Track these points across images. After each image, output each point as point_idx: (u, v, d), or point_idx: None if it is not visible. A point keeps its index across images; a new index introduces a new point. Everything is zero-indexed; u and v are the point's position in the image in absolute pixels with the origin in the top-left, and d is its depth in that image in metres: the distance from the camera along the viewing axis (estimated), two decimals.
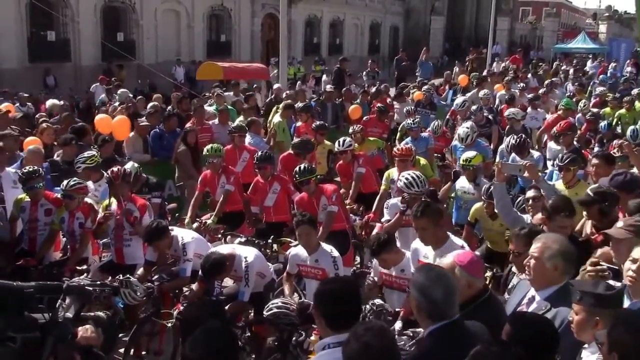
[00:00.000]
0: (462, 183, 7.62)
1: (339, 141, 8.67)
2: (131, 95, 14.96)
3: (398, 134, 12.04)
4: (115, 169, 6.73)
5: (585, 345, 3.12)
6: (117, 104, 13.21)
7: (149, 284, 5.80)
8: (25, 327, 2.50)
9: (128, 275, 5.70)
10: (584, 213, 5.43)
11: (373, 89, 16.37)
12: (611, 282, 3.50)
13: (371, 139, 10.61)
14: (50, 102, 13.61)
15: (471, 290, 3.70)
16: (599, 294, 3.05)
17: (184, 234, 6.21)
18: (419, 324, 3.44)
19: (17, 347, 2.45)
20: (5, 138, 8.73)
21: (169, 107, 13.08)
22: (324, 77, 23.86)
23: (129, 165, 7.53)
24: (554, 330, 3.10)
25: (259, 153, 8.03)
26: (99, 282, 2.99)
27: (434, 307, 3.16)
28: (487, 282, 5.42)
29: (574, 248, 3.78)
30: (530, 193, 6.22)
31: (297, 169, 7.27)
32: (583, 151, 8.87)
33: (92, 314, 2.79)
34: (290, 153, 9.09)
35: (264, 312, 5.20)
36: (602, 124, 11.31)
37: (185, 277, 5.99)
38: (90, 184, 7.51)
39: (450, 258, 3.83)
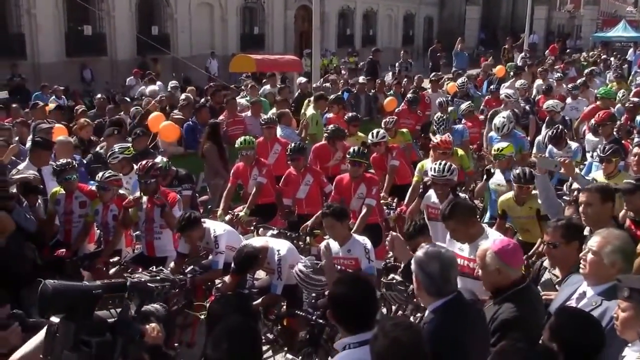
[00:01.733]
0: (497, 177, 7.48)
1: (372, 133, 8.57)
2: (168, 89, 14.99)
3: (431, 126, 11.86)
4: (143, 162, 6.72)
5: (629, 344, 3.00)
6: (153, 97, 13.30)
7: (181, 276, 5.81)
8: (97, 329, 2.46)
9: (161, 267, 5.72)
10: (624, 204, 5.21)
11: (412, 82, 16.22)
12: None
13: (404, 130, 10.49)
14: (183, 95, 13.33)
15: (502, 278, 3.62)
16: None
17: (216, 227, 6.20)
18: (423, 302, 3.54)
19: (93, 351, 2.41)
20: (38, 131, 8.91)
21: (202, 100, 13.12)
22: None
23: (158, 159, 7.58)
24: (601, 331, 3.00)
25: (292, 145, 7.99)
26: (158, 278, 2.94)
27: (431, 282, 3.30)
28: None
29: (634, 246, 3.65)
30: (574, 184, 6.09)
31: (352, 149, 7.28)
32: (623, 142, 8.61)
33: (151, 308, 2.76)
34: (323, 144, 9.12)
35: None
36: (638, 118, 10.96)
37: (217, 269, 5.98)
38: (121, 176, 7.59)
39: (487, 243, 3.77)
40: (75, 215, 6.92)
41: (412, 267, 3.44)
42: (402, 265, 4.20)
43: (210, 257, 6.14)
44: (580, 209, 4.90)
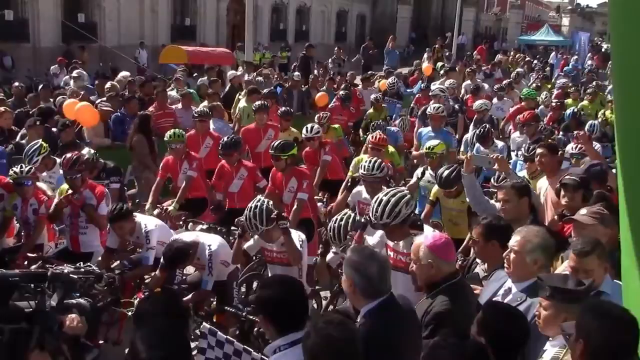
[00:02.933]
0: (427, 173, 7.59)
1: (306, 127, 8.55)
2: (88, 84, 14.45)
3: (363, 122, 11.96)
4: (68, 155, 6.42)
5: (550, 339, 3.11)
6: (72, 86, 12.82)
7: (109, 272, 5.63)
8: (12, 317, 2.41)
9: (89, 264, 5.52)
10: (563, 200, 5.35)
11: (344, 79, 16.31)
12: None
13: (336, 126, 10.54)
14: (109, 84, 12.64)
15: (436, 272, 3.70)
16: (570, 290, 3.03)
17: (147, 221, 6.05)
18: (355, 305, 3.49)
19: (5, 338, 2.37)
20: None
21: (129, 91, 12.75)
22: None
23: (85, 151, 7.31)
24: (526, 324, 3.11)
25: (224, 139, 7.85)
26: (82, 270, 2.87)
27: (369, 283, 3.27)
28: None
29: (553, 241, 3.78)
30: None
31: (274, 143, 7.25)
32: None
33: (74, 301, 2.72)
34: (251, 126, 9.45)
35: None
36: (567, 112, 11.44)
37: (147, 265, 5.85)
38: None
39: (421, 238, 3.86)
40: None
41: (345, 270, 3.39)
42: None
43: (139, 252, 5.98)
44: (499, 205, 5.10)
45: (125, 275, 5.75)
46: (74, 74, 14.16)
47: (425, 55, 23.78)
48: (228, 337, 4.42)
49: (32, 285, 2.53)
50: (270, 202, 5.36)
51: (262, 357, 3.99)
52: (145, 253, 5.86)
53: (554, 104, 12.43)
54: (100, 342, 5.78)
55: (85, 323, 2.62)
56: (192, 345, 3.93)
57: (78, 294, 2.81)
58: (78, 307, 2.68)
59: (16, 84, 13.37)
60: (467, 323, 3.23)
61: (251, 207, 5.21)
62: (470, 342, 2.89)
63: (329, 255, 5.29)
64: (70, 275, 2.75)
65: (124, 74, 14.83)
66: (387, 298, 3.30)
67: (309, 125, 8.62)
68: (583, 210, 4.28)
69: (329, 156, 8.49)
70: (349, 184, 7.13)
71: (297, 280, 3.78)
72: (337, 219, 5.27)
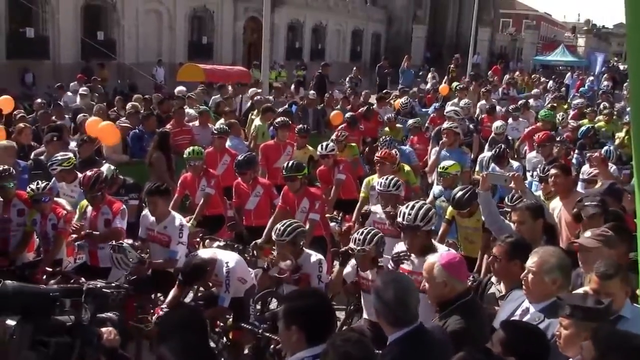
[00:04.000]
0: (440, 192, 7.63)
1: (321, 145, 8.62)
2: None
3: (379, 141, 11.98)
4: (88, 173, 6.50)
5: (570, 359, 3.11)
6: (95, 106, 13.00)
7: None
8: (55, 330, 2.51)
9: (121, 241, 5.81)
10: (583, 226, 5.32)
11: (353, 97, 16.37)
12: None
13: (352, 144, 10.59)
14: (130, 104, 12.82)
15: (449, 291, 3.71)
16: (589, 308, 3.03)
17: (229, 258, 5.65)
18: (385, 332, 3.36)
19: (51, 351, 2.46)
20: None
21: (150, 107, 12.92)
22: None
23: (104, 168, 7.41)
24: (547, 341, 3.11)
25: (239, 157, 7.92)
26: (113, 284, 2.99)
27: (387, 310, 3.21)
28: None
29: (570, 260, 3.79)
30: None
31: (285, 164, 7.30)
32: (561, 160, 8.94)
33: (105, 315, 2.82)
34: (270, 142, 9.60)
35: (275, 236, 5.35)
36: (582, 128, 11.38)
37: (222, 307, 5.51)
38: (64, 185, 7.40)
39: (434, 257, 3.86)
40: (13, 223, 6.68)
41: (372, 296, 3.36)
42: None
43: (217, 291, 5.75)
44: (514, 227, 5.11)
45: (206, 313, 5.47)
46: (81, 91, 14.37)
47: (430, 76, 23.88)
48: None
49: (70, 299, 2.62)
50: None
51: None
52: (223, 294, 5.53)
53: (571, 125, 12.43)
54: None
55: (119, 335, 2.72)
56: None
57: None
58: (111, 321, 2.78)
59: (38, 100, 13.60)
60: (482, 341, 3.23)
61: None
62: (496, 357, 2.89)
63: (347, 269, 5.30)
64: (103, 290, 2.84)
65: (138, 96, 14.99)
66: (412, 329, 3.18)
67: (324, 143, 8.70)
68: (587, 233, 4.27)
69: (344, 175, 8.53)
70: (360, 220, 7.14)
71: (327, 295, 3.79)
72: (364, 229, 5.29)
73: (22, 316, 2.45)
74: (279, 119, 9.98)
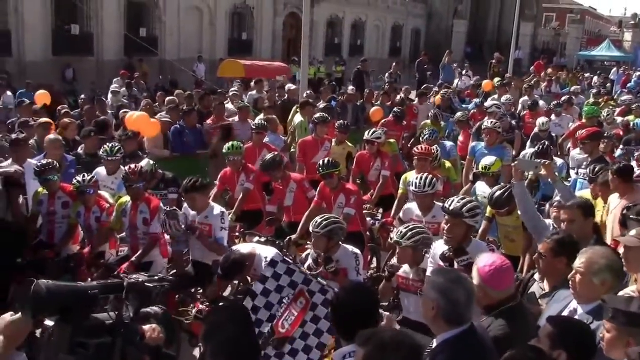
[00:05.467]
0: (482, 188, 7.49)
1: (368, 131, 8.87)
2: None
3: (419, 134, 11.90)
4: (132, 166, 6.64)
5: None
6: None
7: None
8: (95, 331, 2.35)
9: (175, 208, 6.14)
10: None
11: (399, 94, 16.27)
12: None
13: (391, 141, 10.54)
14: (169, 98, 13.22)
15: (484, 297, 3.60)
16: (632, 313, 2.93)
17: (268, 253, 5.53)
18: (434, 330, 3.30)
19: (90, 353, 2.31)
20: (30, 128, 8.82)
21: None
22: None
23: (144, 163, 7.53)
24: (594, 338, 3.04)
25: (265, 158, 7.87)
26: (157, 278, 2.80)
27: (455, 309, 3.12)
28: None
29: (620, 261, 3.68)
30: (557, 198, 6.11)
31: (321, 162, 7.33)
32: (607, 158, 8.72)
33: (150, 310, 2.64)
34: (308, 138, 9.66)
35: (312, 228, 5.37)
36: (637, 121, 11.12)
37: None
38: (105, 177, 7.54)
39: (479, 261, 3.73)
40: (58, 216, 6.84)
41: (429, 292, 3.25)
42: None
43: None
44: (563, 226, 4.97)
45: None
46: (112, 88, 14.60)
47: (463, 72, 23.61)
48: (302, 267, 4.65)
49: (111, 296, 2.46)
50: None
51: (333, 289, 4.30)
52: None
53: (618, 122, 12.18)
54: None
55: (163, 332, 2.57)
56: None
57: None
58: (155, 317, 2.62)
59: (83, 96, 13.87)
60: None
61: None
62: (546, 356, 2.83)
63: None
64: (146, 284, 2.64)
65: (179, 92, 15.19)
66: (467, 329, 3.14)
67: (373, 129, 8.88)
68: (633, 232, 4.14)
69: (388, 172, 8.53)
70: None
71: (374, 292, 3.75)
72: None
73: (60, 317, 2.29)
74: (318, 115, 10.00)
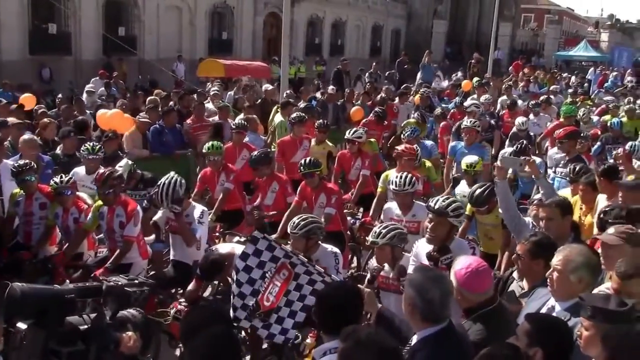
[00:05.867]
0: (462, 187, 7.55)
1: (349, 130, 8.94)
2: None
3: (400, 133, 11.94)
4: (101, 171, 6.54)
5: None
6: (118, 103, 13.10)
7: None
8: (68, 338, 2.28)
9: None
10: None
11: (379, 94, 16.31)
12: None
13: (372, 140, 10.56)
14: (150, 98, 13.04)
15: (462, 300, 3.60)
16: (611, 311, 2.96)
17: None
18: (413, 327, 3.36)
19: None
20: (8, 127, 8.70)
21: (171, 103, 12.94)
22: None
23: (122, 163, 7.47)
24: (571, 335, 3.07)
25: (253, 154, 7.93)
26: (136, 282, 2.76)
27: (429, 307, 3.16)
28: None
29: (598, 259, 3.70)
30: (537, 196, 6.16)
31: (302, 160, 7.34)
32: (583, 155, 8.83)
33: (127, 313, 2.57)
34: (287, 138, 9.63)
35: (290, 229, 5.36)
36: (614, 120, 11.29)
37: None
38: (84, 177, 7.47)
39: (457, 263, 3.72)
40: (35, 217, 6.76)
41: (406, 289, 3.29)
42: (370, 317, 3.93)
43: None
44: (542, 223, 5.01)
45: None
46: (87, 87, 14.48)
47: (460, 74, 23.75)
48: (283, 245, 4.73)
49: (87, 300, 2.41)
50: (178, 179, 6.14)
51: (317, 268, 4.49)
52: None
53: (599, 123, 12.38)
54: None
55: (140, 340, 2.50)
56: None
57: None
58: (132, 321, 2.54)
59: (60, 96, 13.71)
60: None
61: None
62: (523, 354, 2.85)
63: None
64: (125, 288, 2.58)
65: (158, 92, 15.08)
66: (445, 327, 3.19)
67: (354, 129, 8.97)
68: (610, 229, 4.19)
69: (368, 171, 8.56)
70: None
71: (359, 289, 3.76)
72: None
73: (34, 320, 2.23)
74: (294, 115, 9.98)
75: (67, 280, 6.12)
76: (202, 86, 17.44)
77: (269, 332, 4.67)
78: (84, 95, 14.30)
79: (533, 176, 6.03)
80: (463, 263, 3.66)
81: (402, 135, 9.86)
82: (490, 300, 3.63)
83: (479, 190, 6.27)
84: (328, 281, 4.58)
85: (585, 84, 26.43)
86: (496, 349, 2.78)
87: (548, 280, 3.65)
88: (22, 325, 2.25)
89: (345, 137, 8.95)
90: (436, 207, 4.94)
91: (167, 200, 6.07)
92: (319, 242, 5.52)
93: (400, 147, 8.17)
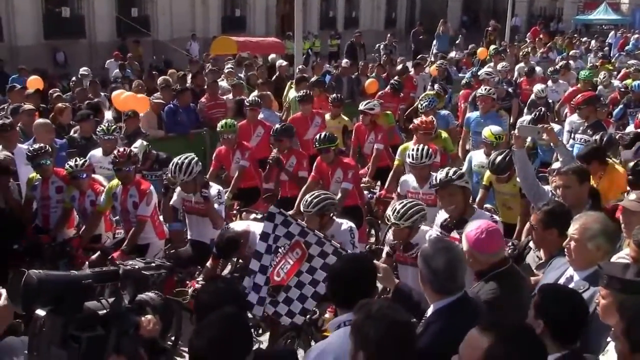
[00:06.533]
0: (479, 157, 7.42)
1: (363, 103, 8.88)
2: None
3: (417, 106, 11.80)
4: (121, 149, 6.56)
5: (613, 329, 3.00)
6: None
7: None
8: (88, 323, 2.25)
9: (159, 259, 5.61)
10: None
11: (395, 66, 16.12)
12: None
13: (388, 112, 10.46)
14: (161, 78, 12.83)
15: (474, 262, 3.60)
16: (628, 280, 2.90)
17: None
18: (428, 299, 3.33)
19: (82, 347, 2.20)
20: (19, 113, 8.74)
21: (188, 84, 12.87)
22: None
23: (137, 144, 7.48)
24: (584, 306, 3.01)
25: (277, 126, 7.91)
26: (154, 264, 2.74)
27: (435, 277, 3.14)
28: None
29: (616, 226, 3.64)
30: (556, 165, 6.05)
31: (317, 136, 7.28)
32: (603, 121, 8.67)
33: (146, 296, 2.53)
34: (298, 115, 9.61)
35: (303, 208, 5.34)
36: (635, 83, 11.05)
37: None
38: (101, 158, 7.49)
39: (467, 227, 3.74)
40: (52, 200, 6.80)
41: (419, 261, 3.28)
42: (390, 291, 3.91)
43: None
44: (559, 191, 4.94)
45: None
46: (81, 71, 14.44)
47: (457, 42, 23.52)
48: (299, 221, 4.73)
49: (106, 284, 2.41)
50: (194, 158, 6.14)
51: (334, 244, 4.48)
52: None
53: (618, 88, 12.14)
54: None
55: (159, 322, 2.47)
56: None
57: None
58: (151, 304, 2.50)
59: (74, 78, 13.74)
60: (515, 311, 3.15)
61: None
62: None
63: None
64: (142, 272, 2.54)
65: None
66: (460, 297, 3.15)
67: (367, 101, 8.98)
68: (632, 195, 4.10)
69: (382, 144, 8.49)
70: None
71: (371, 261, 3.74)
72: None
73: (52, 307, 2.21)
74: (300, 93, 9.86)
75: (86, 262, 6.19)
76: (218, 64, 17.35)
77: (276, 309, 4.65)
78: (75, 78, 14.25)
79: (552, 144, 5.91)
80: (473, 225, 3.70)
81: (419, 107, 9.73)
82: (501, 262, 3.64)
83: (499, 158, 6.19)
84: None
85: (606, 48, 25.89)
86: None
87: (565, 250, 3.59)
88: (40, 312, 2.24)
89: (360, 108, 8.89)
90: (438, 180, 4.96)
91: (182, 175, 6.04)
92: (334, 217, 5.49)
93: (417, 120, 8.06)
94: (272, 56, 15.88)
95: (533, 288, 3.74)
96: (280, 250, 4.57)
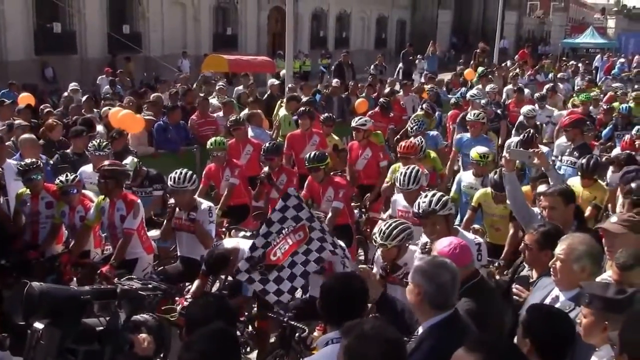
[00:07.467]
0: (468, 179, 7.48)
1: (355, 119, 8.91)
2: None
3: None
4: (106, 163, 6.57)
5: (597, 349, 3.04)
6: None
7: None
8: (85, 338, 2.32)
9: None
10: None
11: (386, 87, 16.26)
12: None
13: (378, 132, 10.53)
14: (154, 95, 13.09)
15: None
16: (609, 298, 2.94)
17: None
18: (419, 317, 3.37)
19: None
20: (14, 129, 8.73)
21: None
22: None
23: (128, 160, 7.49)
24: (571, 325, 3.05)
25: (266, 144, 7.96)
26: (150, 286, 2.78)
27: (441, 292, 3.16)
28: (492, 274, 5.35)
29: (601, 247, 3.69)
30: (541, 187, 6.10)
31: (308, 155, 7.31)
32: (590, 143, 8.79)
33: (141, 318, 2.61)
34: (296, 132, 9.59)
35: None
36: (622, 106, 11.23)
37: (247, 295, 5.54)
38: (91, 172, 7.49)
39: (437, 245, 3.86)
40: (42, 215, 6.79)
41: (414, 278, 3.27)
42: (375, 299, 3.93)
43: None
44: (545, 213, 4.97)
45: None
46: (71, 86, 14.45)
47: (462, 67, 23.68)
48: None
49: (103, 302, 2.44)
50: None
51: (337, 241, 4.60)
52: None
53: (603, 108, 12.32)
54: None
55: (154, 342, 2.52)
56: None
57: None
58: (146, 325, 2.58)
59: (65, 94, 13.73)
60: (489, 321, 3.27)
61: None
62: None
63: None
64: (139, 292, 2.65)
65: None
66: (451, 314, 3.21)
67: (358, 117, 9.02)
68: (613, 218, 4.15)
69: (386, 161, 8.69)
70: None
71: (365, 281, 3.76)
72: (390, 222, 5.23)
73: (51, 320, 2.26)
74: (300, 109, 9.97)
75: (74, 278, 6.17)
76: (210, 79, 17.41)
77: (264, 287, 4.61)
78: (67, 92, 14.26)
79: (543, 168, 5.97)
80: (444, 242, 3.83)
81: (409, 129, 9.81)
82: (474, 274, 3.81)
83: (497, 176, 6.26)
84: (338, 253, 4.67)
85: (593, 71, 26.24)
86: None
87: (551, 270, 3.64)
88: (38, 325, 2.29)
89: (352, 125, 8.94)
90: (421, 210, 4.79)
91: (187, 182, 6.20)
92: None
93: (403, 144, 8.14)
94: (270, 80, 15.97)
95: (520, 303, 3.81)
96: (283, 231, 4.58)
